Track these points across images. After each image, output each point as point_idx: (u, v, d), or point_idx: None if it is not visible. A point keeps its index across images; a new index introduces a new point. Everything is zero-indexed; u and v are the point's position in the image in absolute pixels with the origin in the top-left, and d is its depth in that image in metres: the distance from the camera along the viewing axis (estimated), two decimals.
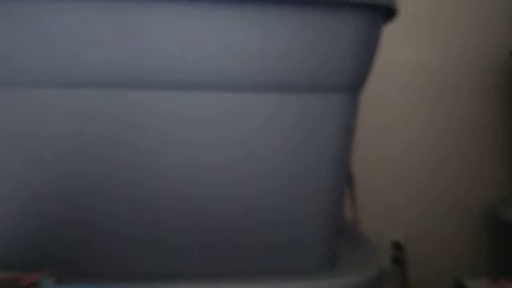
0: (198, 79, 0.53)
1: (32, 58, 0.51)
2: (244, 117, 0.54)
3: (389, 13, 0.58)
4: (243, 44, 0.52)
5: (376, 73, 1.10)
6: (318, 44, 0.53)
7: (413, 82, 1.11)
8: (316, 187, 0.57)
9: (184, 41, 0.52)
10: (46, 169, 0.53)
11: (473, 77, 1.12)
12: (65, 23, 0.50)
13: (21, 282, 0.47)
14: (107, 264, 0.56)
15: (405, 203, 1.13)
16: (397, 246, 1.11)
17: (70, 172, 0.53)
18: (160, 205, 0.55)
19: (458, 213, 1.14)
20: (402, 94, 1.11)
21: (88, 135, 0.53)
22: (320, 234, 0.58)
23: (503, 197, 1.14)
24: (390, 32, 1.08)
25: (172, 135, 0.54)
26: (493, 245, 1.15)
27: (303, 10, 0.52)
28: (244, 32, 0.52)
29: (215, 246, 0.56)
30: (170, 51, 0.52)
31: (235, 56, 0.52)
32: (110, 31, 0.51)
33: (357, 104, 0.58)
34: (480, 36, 1.11)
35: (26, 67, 0.51)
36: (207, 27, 0.52)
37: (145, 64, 0.52)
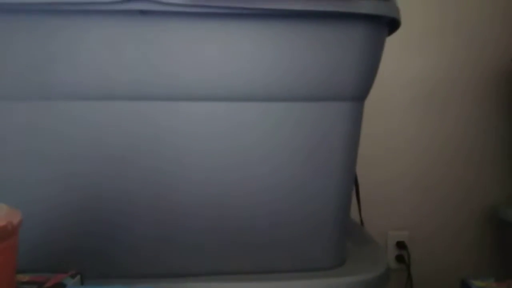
0: (215, 91, 0.54)
1: (57, 72, 0.52)
2: (259, 123, 0.55)
3: (392, 24, 0.59)
4: (258, 59, 0.53)
5: (384, 80, 1.11)
6: (326, 55, 0.54)
7: (421, 90, 1.13)
8: (326, 189, 0.58)
9: (201, 57, 0.53)
10: (73, 175, 0.54)
11: (475, 84, 1.13)
12: (90, 39, 0.51)
13: (47, 283, 0.47)
14: (128, 265, 0.56)
15: (409, 206, 1.14)
16: (401, 246, 1.12)
17: (94, 178, 0.54)
18: (179, 207, 0.56)
19: (460, 214, 1.15)
20: (410, 102, 1.13)
21: (111, 143, 0.54)
22: (330, 234, 0.59)
23: (505, 199, 1.15)
24: (396, 42, 1.10)
25: (191, 142, 0.55)
26: (495, 245, 1.16)
27: (313, 23, 0.53)
28: (259, 47, 0.53)
29: (232, 246, 0.57)
30: (187, 67, 0.53)
31: (251, 70, 0.54)
32: (131, 48, 0.52)
33: (361, 111, 0.60)
34: (482, 45, 1.13)
35: (52, 81, 0.52)
36: (223, 44, 0.53)
37: (164, 78, 0.53)
